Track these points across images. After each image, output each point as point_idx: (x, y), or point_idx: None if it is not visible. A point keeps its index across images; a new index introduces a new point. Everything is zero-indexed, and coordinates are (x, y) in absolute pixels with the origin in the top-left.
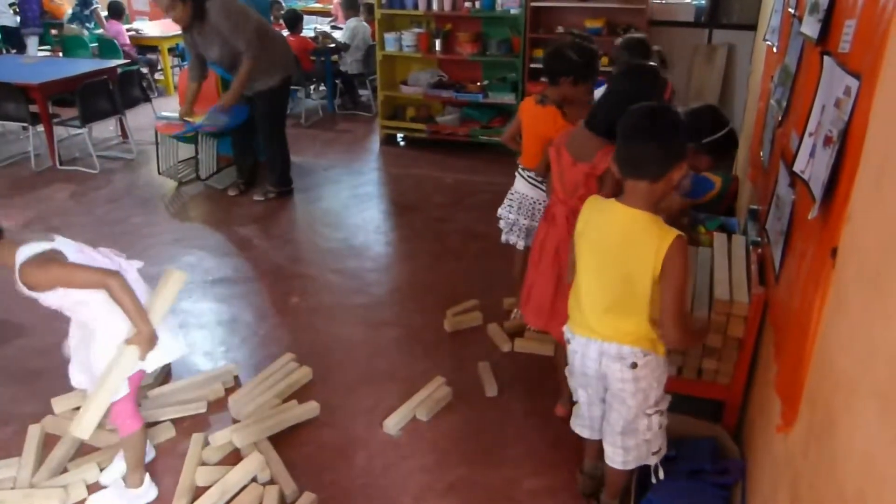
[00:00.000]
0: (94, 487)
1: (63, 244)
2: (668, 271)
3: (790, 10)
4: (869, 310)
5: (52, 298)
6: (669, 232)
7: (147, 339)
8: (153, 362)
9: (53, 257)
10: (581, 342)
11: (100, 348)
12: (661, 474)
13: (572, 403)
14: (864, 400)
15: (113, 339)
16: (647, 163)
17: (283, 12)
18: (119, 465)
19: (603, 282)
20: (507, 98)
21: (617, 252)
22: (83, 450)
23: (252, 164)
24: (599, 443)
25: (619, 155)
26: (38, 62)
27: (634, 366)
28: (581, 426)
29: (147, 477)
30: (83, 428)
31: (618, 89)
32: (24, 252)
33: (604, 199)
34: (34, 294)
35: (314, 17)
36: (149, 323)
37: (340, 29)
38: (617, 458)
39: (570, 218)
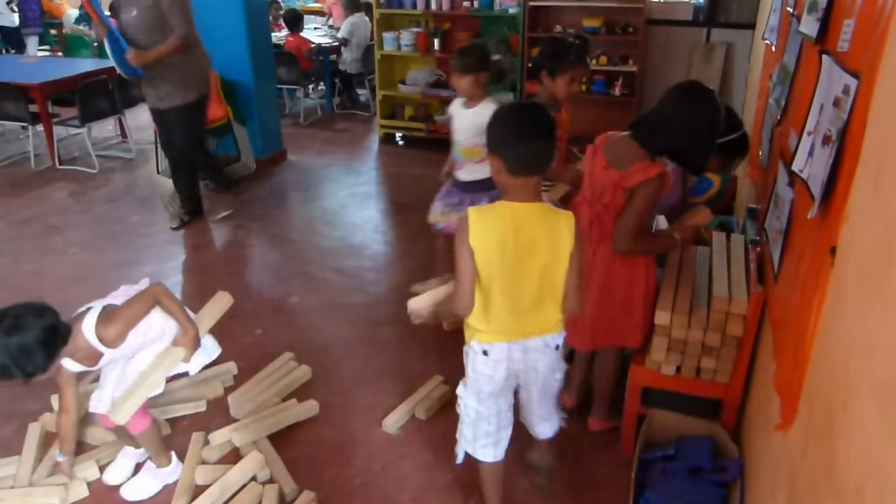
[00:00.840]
0: (94, 486)
1: (101, 303)
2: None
3: (789, 8)
4: (868, 308)
5: (133, 339)
6: (561, 211)
7: (193, 340)
8: (196, 364)
9: (108, 311)
10: (503, 348)
11: (146, 354)
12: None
13: (578, 393)
14: (863, 398)
15: (161, 344)
16: (546, 158)
17: (282, 12)
18: (122, 464)
19: (522, 284)
20: (506, 97)
21: (534, 250)
22: (81, 448)
23: (195, 193)
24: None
25: (519, 155)
26: (37, 62)
27: (557, 348)
28: (494, 446)
29: (173, 455)
30: (122, 414)
31: (678, 111)
32: (87, 323)
33: (490, 206)
34: (116, 351)
35: (311, 16)
36: (194, 325)
37: (336, 28)
38: (548, 428)
39: (593, 221)
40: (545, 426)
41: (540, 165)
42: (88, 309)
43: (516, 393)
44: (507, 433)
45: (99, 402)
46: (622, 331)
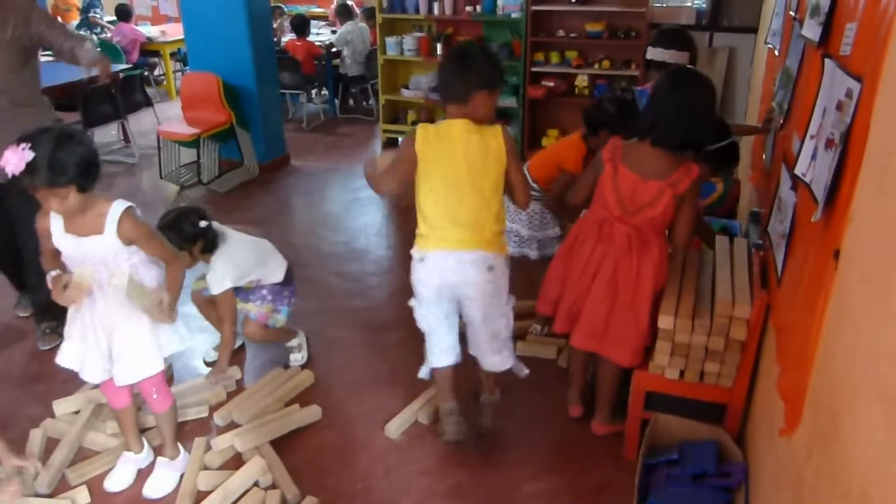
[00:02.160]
0: (96, 493)
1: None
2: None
3: (791, 12)
4: (872, 312)
5: (125, 253)
6: (487, 126)
7: (173, 302)
8: (168, 346)
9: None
10: (438, 255)
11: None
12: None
13: (584, 402)
14: (868, 402)
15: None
16: (460, 88)
17: (285, 17)
18: (123, 470)
19: (468, 197)
20: (509, 101)
21: (478, 164)
22: (82, 453)
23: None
24: (456, 375)
25: (441, 83)
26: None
27: (491, 268)
28: (443, 352)
29: (180, 445)
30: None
31: (673, 100)
32: (121, 203)
33: (434, 124)
34: (109, 245)
35: (316, 21)
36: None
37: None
38: (498, 362)
39: (631, 237)
40: (494, 359)
41: (451, 94)
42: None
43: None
44: (454, 340)
45: (94, 373)
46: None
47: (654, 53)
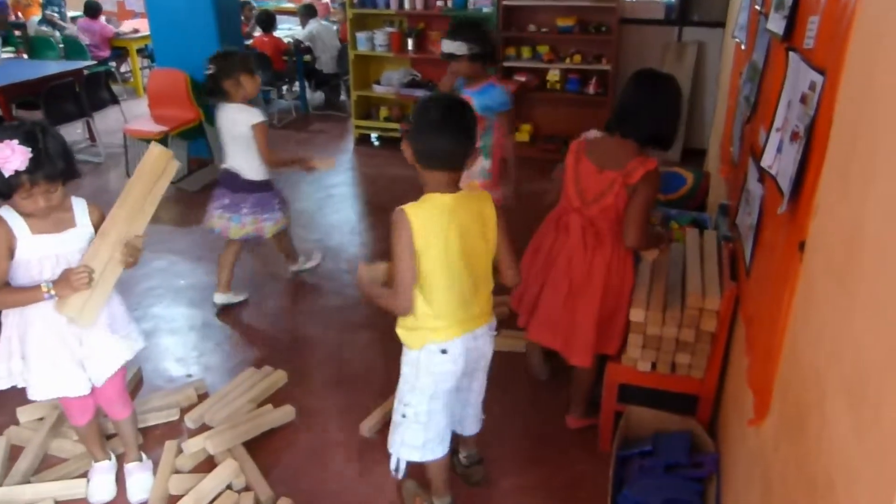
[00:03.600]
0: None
1: None
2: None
3: (757, 7)
4: (836, 303)
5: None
6: (475, 192)
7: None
8: (116, 359)
9: None
10: (459, 343)
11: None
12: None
13: (588, 414)
14: (834, 393)
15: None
16: (458, 156)
17: (254, 12)
18: (101, 480)
19: (464, 274)
20: None
21: (467, 238)
22: (48, 461)
23: None
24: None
25: (429, 148)
26: (1, 64)
27: (495, 331)
28: (443, 441)
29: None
30: (86, 315)
31: (646, 99)
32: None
33: (422, 202)
34: (85, 236)
35: (286, 16)
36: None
37: None
38: (477, 426)
39: (586, 228)
40: (476, 422)
41: (450, 162)
42: None
43: None
44: (450, 426)
45: (78, 385)
46: (607, 335)
47: (445, 46)
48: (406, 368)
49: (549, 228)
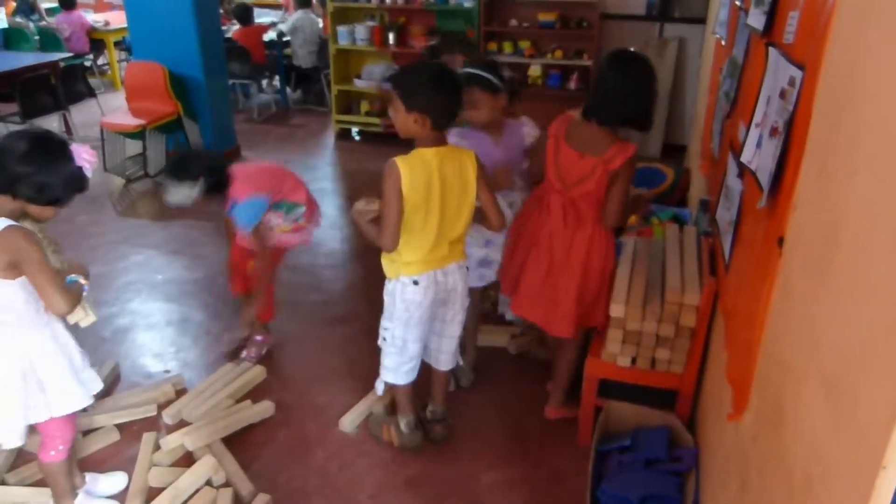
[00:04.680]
0: None
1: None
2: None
3: (737, 2)
4: (814, 298)
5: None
6: (460, 148)
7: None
8: (75, 402)
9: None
10: (430, 275)
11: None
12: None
13: (571, 405)
14: (811, 387)
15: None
16: (460, 110)
17: (232, 6)
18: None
19: (444, 218)
20: None
21: (449, 186)
22: (24, 457)
23: None
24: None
25: (444, 110)
26: None
27: (466, 268)
28: (412, 370)
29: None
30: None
31: (620, 81)
32: None
33: (411, 156)
34: None
35: (265, 9)
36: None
37: None
38: (451, 361)
39: (567, 208)
40: (451, 359)
41: (452, 118)
42: None
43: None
44: (419, 357)
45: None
46: (594, 310)
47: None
48: (387, 298)
49: (533, 207)
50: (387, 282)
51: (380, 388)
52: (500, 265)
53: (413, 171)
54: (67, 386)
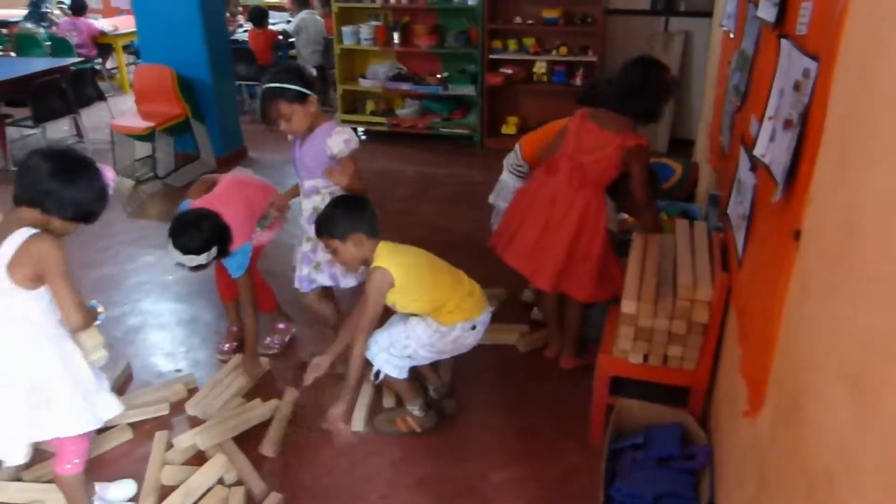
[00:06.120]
0: None
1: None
2: None
3: None
4: (833, 291)
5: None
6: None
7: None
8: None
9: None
10: (486, 316)
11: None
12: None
13: (584, 354)
14: (831, 381)
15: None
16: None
17: (239, 7)
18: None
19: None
20: (467, 90)
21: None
22: (41, 455)
23: None
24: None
25: (369, 221)
26: None
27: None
28: (410, 370)
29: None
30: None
31: (639, 82)
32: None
33: (391, 252)
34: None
35: (271, 11)
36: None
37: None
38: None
39: (573, 171)
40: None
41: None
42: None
43: None
44: None
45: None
46: (575, 277)
47: None
48: (429, 332)
49: (539, 174)
50: (437, 325)
51: (379, 377)
52: (499, 225)
53: (392, 256)
54: (74, 406)
